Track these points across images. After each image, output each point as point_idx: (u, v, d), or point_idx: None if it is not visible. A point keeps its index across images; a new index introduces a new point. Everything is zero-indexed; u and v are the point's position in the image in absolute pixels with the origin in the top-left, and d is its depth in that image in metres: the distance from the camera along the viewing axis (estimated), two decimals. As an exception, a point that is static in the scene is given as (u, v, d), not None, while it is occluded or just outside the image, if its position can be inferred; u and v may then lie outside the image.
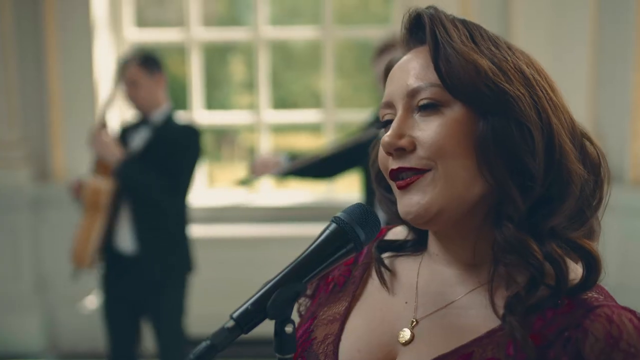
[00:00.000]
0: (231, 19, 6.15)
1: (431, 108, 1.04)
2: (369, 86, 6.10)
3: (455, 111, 1.03)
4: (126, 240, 3.69)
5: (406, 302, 1.12)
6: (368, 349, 1.11)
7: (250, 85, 5.97)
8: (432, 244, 1.13)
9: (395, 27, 4.92)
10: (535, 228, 1.02)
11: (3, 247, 4.90)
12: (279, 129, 5.69)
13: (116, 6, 5.16)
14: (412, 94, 1.06)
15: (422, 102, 1.04)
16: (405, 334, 1.08)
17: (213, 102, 5.61)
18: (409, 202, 1.04)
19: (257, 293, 0.97)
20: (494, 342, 1.00)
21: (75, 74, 4.93)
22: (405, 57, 1.11)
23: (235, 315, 0.96)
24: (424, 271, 1.14)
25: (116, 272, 3.74)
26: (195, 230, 4.87)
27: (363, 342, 1.12)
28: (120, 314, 3.79)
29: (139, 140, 3.76)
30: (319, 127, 5.55)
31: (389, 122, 1.09)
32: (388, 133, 1.06)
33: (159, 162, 3.66)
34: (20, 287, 4.92)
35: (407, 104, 1.06)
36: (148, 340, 4.44)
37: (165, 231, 3.74)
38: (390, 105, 1.09)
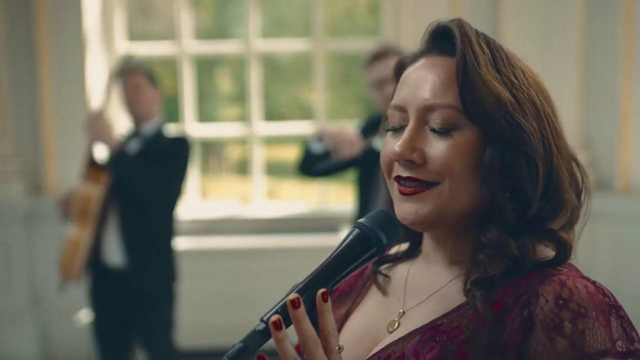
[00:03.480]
0: (219, 32, 6.16)
1: (444, 127, 1.08)
2: (356, 98, 6.12)
3: (467, 133, 1.08)
4: (114, 253, 3.62)
5: (398, 300, 1.20)
6: (360, 339, 1.19)
7: (236, 98, 5.99)
8: (425, 242, 1.21)
9: (383, 38, 4.96)
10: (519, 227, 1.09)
11: (-4, 260, 4.90)
12: (266, 141, 5.70)
13: (108, 20, 5.19)
14: (428, 109, 1.09)
15: (436, 120, 1.09)
16: (393, 323, 1.16)
17: (200, 115, 5.62)
18: (409, 209, 1.11)
19: (285, 297, 1.02)
20: (461, 314, 1.07)
21: (67, 87, 4.95)
22: (423, 63, 1.14)
23: (265, 318, 1.00)
24: (414, 270, 1.22)
25: (104, 286, 3.68)
26: (188, 243, 4.89)
27: (357, 336, 1.20)
28: (111, 329, 3.73)
29: (129, 151, 3.74)
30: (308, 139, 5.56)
31: (399, 127, 1.13)
32: (399, 143, 1.10)
33: None
34: (14, 301, 4.91)
35: (421, 117, 1.10)
36: (139, 354, 4.44)
37: (154, 243, 3.70)
38: (401, 109, 1.13)
